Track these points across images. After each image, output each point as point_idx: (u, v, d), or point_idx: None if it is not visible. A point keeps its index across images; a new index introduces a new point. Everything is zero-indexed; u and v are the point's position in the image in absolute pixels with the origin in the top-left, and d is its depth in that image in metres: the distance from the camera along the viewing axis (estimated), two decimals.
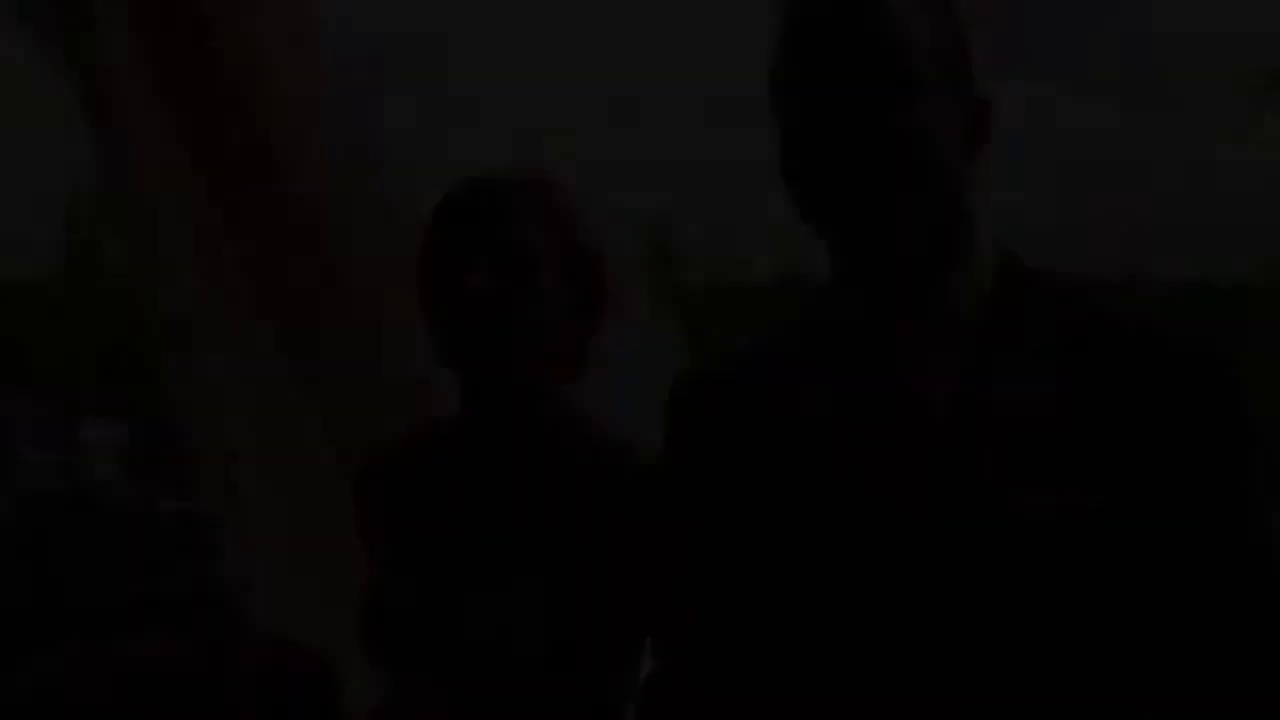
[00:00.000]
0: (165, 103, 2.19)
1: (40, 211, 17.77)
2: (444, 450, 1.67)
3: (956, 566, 1.14)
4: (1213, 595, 1.16)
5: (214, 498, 2.37)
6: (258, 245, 2.29)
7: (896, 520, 1.17)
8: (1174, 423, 1.15)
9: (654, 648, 1.40)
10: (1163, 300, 14.95)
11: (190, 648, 2.92)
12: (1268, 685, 1.15)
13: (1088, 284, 1.25)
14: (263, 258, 2.30)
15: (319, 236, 2.30)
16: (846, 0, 1.18)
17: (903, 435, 1.19)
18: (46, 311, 16.83)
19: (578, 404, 1.65)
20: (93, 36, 2.10)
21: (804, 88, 1.18)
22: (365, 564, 1.69)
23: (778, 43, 1.22)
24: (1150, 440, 1.15)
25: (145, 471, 9.32)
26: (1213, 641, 1.15)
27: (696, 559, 1.29)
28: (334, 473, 2.27)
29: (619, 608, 1.52)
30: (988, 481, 1.14)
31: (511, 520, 1.57)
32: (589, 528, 1.52)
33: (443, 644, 1.57)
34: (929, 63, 1.17)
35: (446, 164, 2.13)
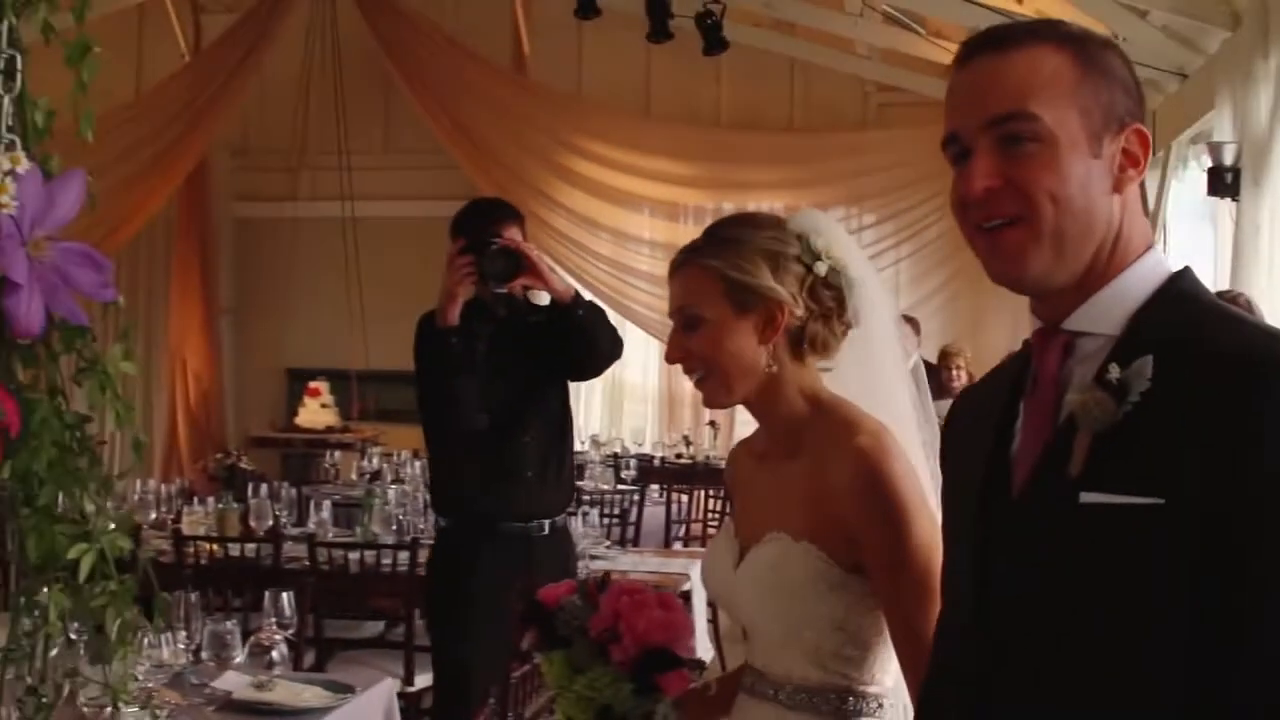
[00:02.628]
0: None
1: None
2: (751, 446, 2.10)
3: (1033, 548, 1.34)
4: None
5: None
6: None
7: (995, 503, 1.40)
8: (1218, 441, 1.21)
9: None
10: None
11: None
12: None
13: (1229, 314, 1.33)
14: None
15: None
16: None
17: (1016, 431, 1.41)
18: None
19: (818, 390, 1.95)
20: None
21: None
22: None
23: None
24: (1203, 456, 1.21)
25: None
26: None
27: None
28: None
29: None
30: (1066, 477, 1.30)
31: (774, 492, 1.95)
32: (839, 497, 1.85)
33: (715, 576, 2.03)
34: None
35: None
